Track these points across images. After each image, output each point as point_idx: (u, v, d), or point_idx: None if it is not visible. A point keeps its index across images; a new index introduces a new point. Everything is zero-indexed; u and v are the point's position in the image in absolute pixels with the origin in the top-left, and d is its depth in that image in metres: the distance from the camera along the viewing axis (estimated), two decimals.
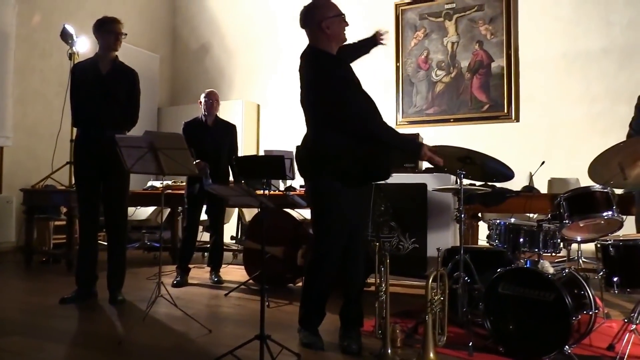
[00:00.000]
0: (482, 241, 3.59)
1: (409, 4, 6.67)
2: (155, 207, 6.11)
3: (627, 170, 2.47)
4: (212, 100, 4.52)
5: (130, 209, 6.04)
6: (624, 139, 2.39)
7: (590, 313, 2.55)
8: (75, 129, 3.82)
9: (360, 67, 5.86)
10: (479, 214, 4.26)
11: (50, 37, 6.24)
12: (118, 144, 3.06)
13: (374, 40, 3.04)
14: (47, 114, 6.17)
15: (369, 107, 2.58)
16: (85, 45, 5.40)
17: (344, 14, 2.73)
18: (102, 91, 3.56)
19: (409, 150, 2.70)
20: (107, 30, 3.59)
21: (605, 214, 2.69)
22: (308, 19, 2.69)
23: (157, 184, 5.60)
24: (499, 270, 2.62)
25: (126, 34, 3.72)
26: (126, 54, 7.43)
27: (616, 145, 2.35)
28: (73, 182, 4.12)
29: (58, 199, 5.13)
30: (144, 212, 6.22)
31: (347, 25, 2.76)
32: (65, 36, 5.28)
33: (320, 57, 2.69)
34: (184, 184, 5.59)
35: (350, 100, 2.55)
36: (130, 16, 7.76)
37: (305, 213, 5.24)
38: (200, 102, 4.56)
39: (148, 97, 7.93)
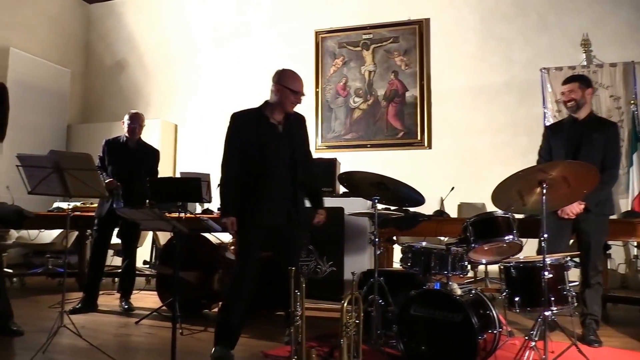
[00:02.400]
0: (397, 264, 3.70)
1: (328, 32, 6.86)
2: (61, 230, 5.74)
3: (525, 197, 2.67)
4: (136, 125, 4.35)
5: (33, 232, 5.64)
6: (525, 167, 2.58)
7: (495, 332, 2.70)
8: None
9: None
10: (394, 237, 4.40)
11: None
12: (19, 163, 2.86)
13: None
14: None
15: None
16: None
17: (300, 94, 3.07)
18: None
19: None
20: None
21: (506, 237, 2.88)
22: (275, 76, 3.09)
23: (64, 205, 5.28)
24: (411, 292, 2.71)
25: None
26: (33, 67, 7.13)
27: (515, 173, 2.53)
28: None
29: None
30: (48, 236, 5.82)
31: (299, 102, 3.09)
32: None
33: (243, 112, 3.19)
34: (94, 205, 5.33)
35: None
36: (39, 27, 7.38)
37: (222, 237, 5.15)
38: (124, 123, 4.38)
39: (56, 113, 7.57)
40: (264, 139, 3.01)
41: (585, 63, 5.76)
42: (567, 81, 3.48)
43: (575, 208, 3.24)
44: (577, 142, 3.34)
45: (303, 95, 3.10)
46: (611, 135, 3.37)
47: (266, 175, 2.98)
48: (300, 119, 3.21)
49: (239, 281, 2.98)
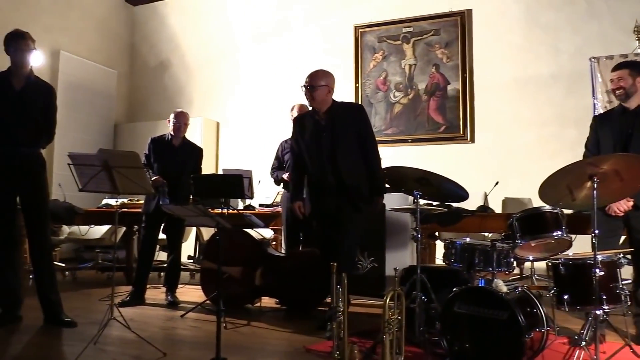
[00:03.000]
0: (439, 260, 3.65)
1: (367, 26, 6.81)
2: (110, 226, 5.93)
3: (575, 192, 2.57)
4: (181, 124, 4.44)
5: (84, 228, 5.86)
6: (574, 160, 2.49)
7: (543, 330, 2.61)
8: None
9: None
10: (436, 234, 4.33)
11: (2, 52, 6.03)
12: (71, 161, 2.97)
13: None
14: None
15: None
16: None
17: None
18: (15, 108, 3.38)
19: None
20: (16, 47, 3.41)
21: (555, 233, 2.78)
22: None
23: (112, 202, 5.45)
24: (454, 289, 2.66)
25: (35, 49, 3.53)
26: (82, 69, 7.38)
27: (564, 167, 2.44)
28: None
29: None
30: (98, 231, 6.03)
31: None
32: None
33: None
34: (140, 202, 5.48)
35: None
36: (87, 31, 7.64)
37: (264, 232, 5.21)
38: (169, 121, 4.48)
39: (104, 113, 7.82)
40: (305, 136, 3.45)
41: (639, 51, 5.50)
42: (616, 68, 3.29)
43: (623, 205, 3.08)
44: (628, 133, 3.16)
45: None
46: None
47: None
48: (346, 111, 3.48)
49: None
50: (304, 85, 3.39)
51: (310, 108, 3.61)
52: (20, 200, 3.48)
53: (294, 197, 3.58)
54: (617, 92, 3.26)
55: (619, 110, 3.30)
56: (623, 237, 3.53)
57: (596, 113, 5.44)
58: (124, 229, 5.78)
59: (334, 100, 3.50)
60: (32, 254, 3.54)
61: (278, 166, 4.59)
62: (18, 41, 3.40)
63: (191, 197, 4.47)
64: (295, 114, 4.38)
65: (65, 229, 6.07)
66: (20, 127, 3.39)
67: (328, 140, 3.37)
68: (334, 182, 3.35)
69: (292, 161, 3.68)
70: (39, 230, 3.50)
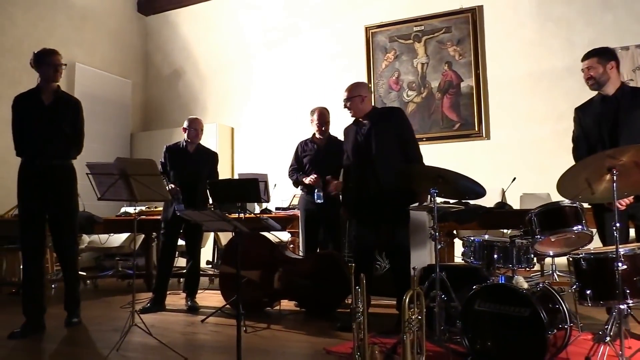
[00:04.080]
0: (458, 258, 3.62)
1: (378, 27, 6.80)
2: (129, 234, 6.00)
3: (594, 185, 2.54)
4: (196, 130, 4.47)
5: (103, 237, 5.94)
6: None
7: (566, 327, 2.58)
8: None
9: (333, 89, 6.04)
10: (454, 232, 4.30)
11: (19, 65, 6.15)
12: (89, 171, 3.02)
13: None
14: None
15: None
16: None
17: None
18: (46, 122, 3.58)
19: None
20: (46, 63, 3.60)
21: (575, 228, 2.74)
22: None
23: (131, 209, 5.51)
24: (474, 287, 2.64)
25: (65, 65, 3.76)
26: (98, 80, 7.49)
27: (582, 160, 2.41)
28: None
29: None
30: (117, 239, 6.10)
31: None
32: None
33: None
34: (158, 209, 5.53)
35: None
36: (101, 42, 7.76)
37: (281, 236, 5.22)
38: (185, 129, 4.52)
39: (120, 122, 7.92)
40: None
41: None
42: (585, 57, 3.22)
43: (625, 199, 2.94)
44: (613, 120, 3.07)
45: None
46: None
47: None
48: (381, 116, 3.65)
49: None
50: (343, 99, 3.64)
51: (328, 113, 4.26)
52: (49, 210, 3.63)
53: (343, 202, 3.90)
54: (588, 82, 3.20)
55: (599, 98, 3.21)
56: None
57: None
58: (143, 236, 5.84)
59: (373, 107, 3.73)
60: (60, 261, 3.77)
61: (297, 167, 4.53)
62: (47, 58, 3.60)
63: (210, 203, 4.50)
64: (315, 118, 4.40)
65: (86, 238, 6.15)
66: (51, 140, 3.57)
67: (367, 145, 3.52)
68: (375, 186, 3.46)
69: (344, 171, 3.87)
70: (68, 239, 3.70)
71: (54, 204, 3.61)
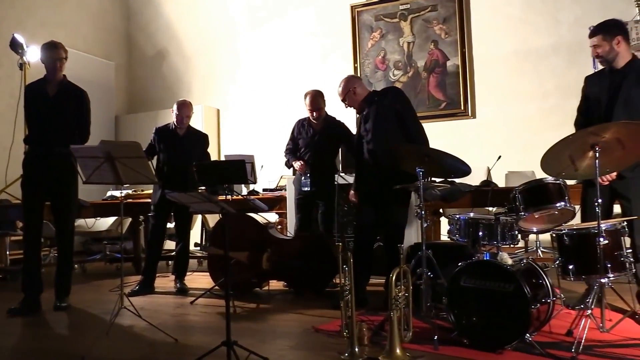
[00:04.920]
0: (444, 236, 3.67)
1: (364, 5, 6.74)
2: (115, 218, 5.97)
3: (577, 162, 2.57)
4: (183, 116, 4.42)
5: (90, 221, 5.90)
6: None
7: (549, 301, 2.63)
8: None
9: (320, 69, 6.03)
10: (440, 210, 4.34)
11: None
12: (73, 154, 2.99)
13: None
14: None
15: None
16: (36, 55, 5.23)
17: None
18: (50, 113, 3.70)
19: None
20: (48, 57, 3.75)
21: (558, 204, 2.78)
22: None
23: (117, 193, 5.48)
24: (460, 264, 2.68)
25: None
26: (80, 62, 7.35)
27: (565, 138, 2.43)
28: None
29: (14, 214, 4.95)
30: (104, 223, 6.07)
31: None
32: (15, 46, 5.06)
33: None
34: (146, 192, 5.50)
35: None
36: (83, 24, 7.60)
37: (269, 217, 5.23)
38: (173, 111, 4.47)
39: (104, 105, 7.79)
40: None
41: (638, 17, 5.43)
42: (591, 34, 3.17)
43: (607, 175, 2.96)
44: (613, 93, 3.07)
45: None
46: None
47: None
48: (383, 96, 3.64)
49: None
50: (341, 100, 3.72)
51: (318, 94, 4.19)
52: (51, 194, 3.76)
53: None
54: (597, 59, 3.20)
55: (609, 69, 3.20)
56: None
57: None
58: (130, 219, 5.81)
59: (372, 91, 3.74)
60: (57, 242, 3.88)
61: (293, 147, 4.47)
62: (48, 52, 3.75)
63: (199, 186, 4.47)
64: (307, 102, 4.30)
65: None
66: (54, 130, 3.69)
67: (367, 127, 3.55)
68: (372, 164, 3.51)
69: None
70: (66, 222, 3.81)
71: (55, 191, 3.73)
